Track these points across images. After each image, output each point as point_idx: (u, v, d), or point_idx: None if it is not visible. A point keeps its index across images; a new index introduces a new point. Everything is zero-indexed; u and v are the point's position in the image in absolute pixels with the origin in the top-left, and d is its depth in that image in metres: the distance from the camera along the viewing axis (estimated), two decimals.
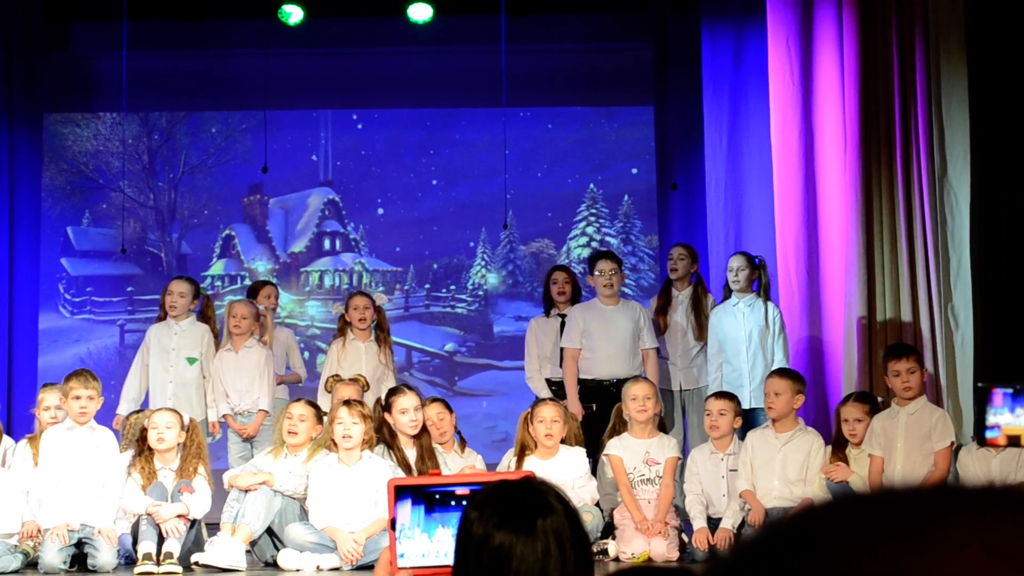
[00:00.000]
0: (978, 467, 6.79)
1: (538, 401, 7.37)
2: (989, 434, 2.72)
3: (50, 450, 6.84)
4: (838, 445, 7.09)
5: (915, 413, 6.93)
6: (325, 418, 7.11)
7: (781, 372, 7.33)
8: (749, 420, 7.58)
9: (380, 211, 10.84)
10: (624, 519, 7.06)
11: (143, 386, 8.07)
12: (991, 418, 2.71)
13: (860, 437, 7.00)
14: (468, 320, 10.78)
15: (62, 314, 10.59)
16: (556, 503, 1.98)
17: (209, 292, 10.79)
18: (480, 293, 10.77)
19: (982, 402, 2.74)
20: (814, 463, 7.04)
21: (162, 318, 8.15)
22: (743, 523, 7.01)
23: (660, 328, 8.28)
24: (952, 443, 6.90)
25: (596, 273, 8.11)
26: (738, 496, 7.03)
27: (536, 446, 7.07)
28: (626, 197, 10.76)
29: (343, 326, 8.31)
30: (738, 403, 7.34)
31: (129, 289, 10.58)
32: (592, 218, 10.78)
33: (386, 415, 7.15)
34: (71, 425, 6.88)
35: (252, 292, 8.76)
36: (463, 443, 7.58)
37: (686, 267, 8.34)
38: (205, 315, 8.22)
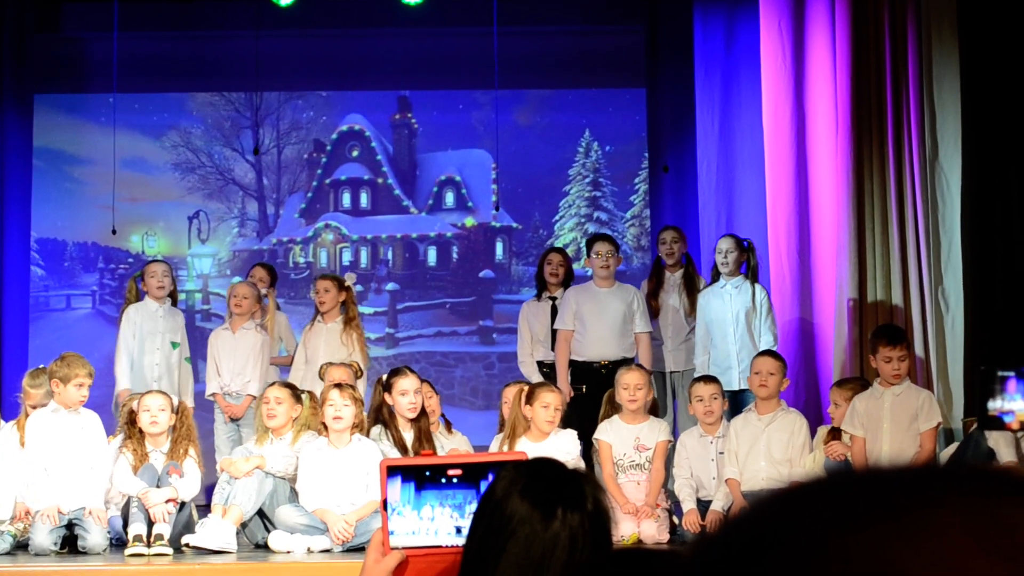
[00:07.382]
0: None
1: (540, 386, 7.21)
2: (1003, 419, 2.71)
3: (35, 433, 6.82)
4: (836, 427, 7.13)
5: (900, 394, 6.94)
6: (304, 396, 7.10)
7: (771, 353, 7.34)
8: (738, 401, 7.59)
9: (369, 194, 10.84)
10: (613, 501, 7.05)
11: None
12: (1005, 403, 2.70)
13: (839, 422, 7.04)
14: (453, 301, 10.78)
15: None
16: (589, 504, 1.92)
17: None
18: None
19: (987, 385, 2.73)
20: (797, 442, 7.05)
21: (133, 300, 8.13)
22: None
23: (653, 311, 8.26)
24: (938, 424, 6.94)
25: (593, 255, 8.07)
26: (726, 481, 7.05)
27: (529, 428, 7.04)
28: (615, 180, 10.74)
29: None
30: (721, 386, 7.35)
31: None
32: (581, 201, 10.77)
33: (386, 396, 7.13)
34: (55, 408, 6.86)
35: (249, 272, 8.84)
36: (448, 425, 7.57)
37: (680, 249, 8.34)
38: (174, 299, 8.24)
